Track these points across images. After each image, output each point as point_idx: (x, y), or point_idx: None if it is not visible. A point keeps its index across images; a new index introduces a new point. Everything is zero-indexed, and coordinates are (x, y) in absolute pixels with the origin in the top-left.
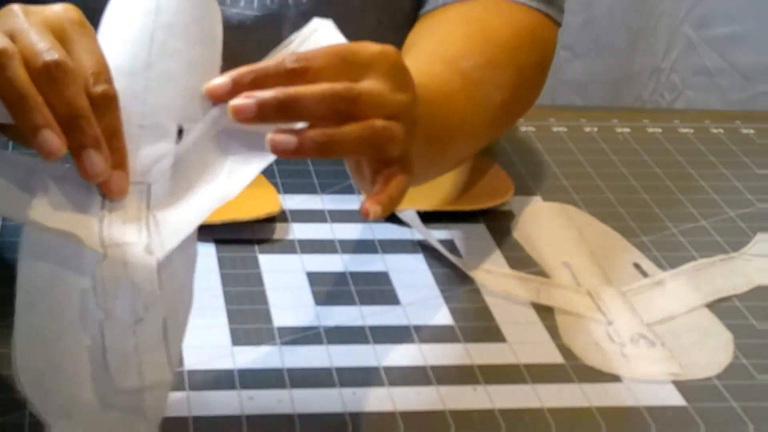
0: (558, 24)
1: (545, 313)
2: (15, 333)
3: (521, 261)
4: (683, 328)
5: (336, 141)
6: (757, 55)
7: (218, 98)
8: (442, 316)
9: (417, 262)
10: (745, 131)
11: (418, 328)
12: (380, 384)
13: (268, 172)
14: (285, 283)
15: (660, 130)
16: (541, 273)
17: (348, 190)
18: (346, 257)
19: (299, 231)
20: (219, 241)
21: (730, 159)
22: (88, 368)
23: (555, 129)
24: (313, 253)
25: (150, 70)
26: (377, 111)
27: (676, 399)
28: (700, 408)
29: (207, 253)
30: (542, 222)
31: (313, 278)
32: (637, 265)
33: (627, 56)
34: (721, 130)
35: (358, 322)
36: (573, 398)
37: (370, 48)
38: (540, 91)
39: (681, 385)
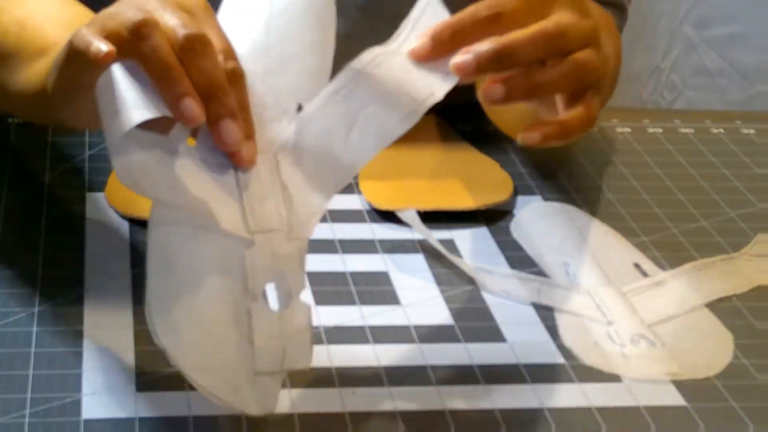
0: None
1: (545, 313)
2: (148, 292)
3: (521, 261)
4: (683, 328)
5: (542, 84)
6: (757, 55)
7: (421, 58)
8: (442, 316)
9: (417, 262)
10: (745, 131)
11: (418, 328)
12: (380, 384)
13: None
14: None
15: (660, 130)
16: (541, 273)
17: (348, 190)
18: (346, 257)
19: None
20: None
21: (730, 159)
22: (231, 334)
23: None
24: (313, 253)
25: (269, 52)
26: (578, 43)
27: (676, 399)
28: (700, 408)
29: None
30: (542, 222)
31: (313, 278)
32: (637, 265)
33: (627, 56)
34: (721, 130)
35: (358, 322)
36: (573, 398)
37: None
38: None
39: (681, 385)
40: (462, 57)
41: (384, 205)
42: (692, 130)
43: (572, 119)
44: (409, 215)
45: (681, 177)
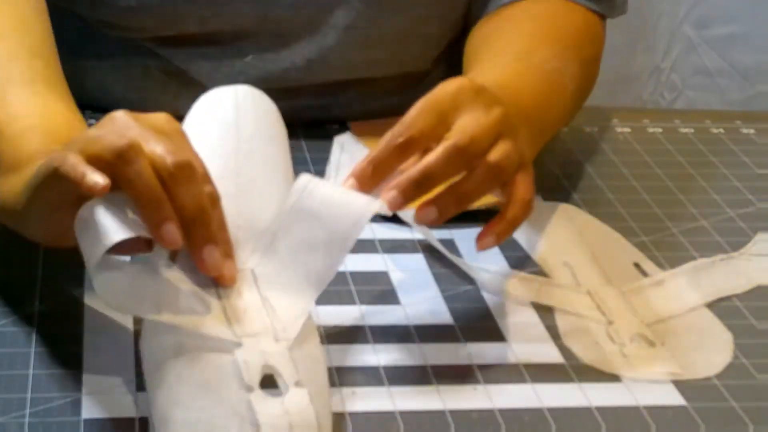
0: (604, 17)
1: (545, 313)
2: (150, 404)
3: (521, 261)
4: (683, 328)
5: (468, 193)
6: (757, 55)
7: None
8: (442, 316)
9: (417, 262)
10: (745, 131)
11: (418, 328)
12: (380, 384)
13: None
14: None
15: (660, 130)
16: (541, 273)
17: None
18: (346, 257)
19: None
20: None
21: (730, 159)
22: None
23: None
24: None
25: (239, 176)
26: (488, 143)
27: (676, 399)
28: (700, 408)
29: None
30: (542, 222)
31: None
32: (637, 265)
33: (627, 56)
34: (721, 130)
35: (358, 322)
36: (573, 398)
37: (447, 88)
38: (594, 84)
39: (681, 385)
40: (390, 194)
41: None
42: (692, 130)
43: (515, 214)
44: (409, 215)
45: (681, 177)
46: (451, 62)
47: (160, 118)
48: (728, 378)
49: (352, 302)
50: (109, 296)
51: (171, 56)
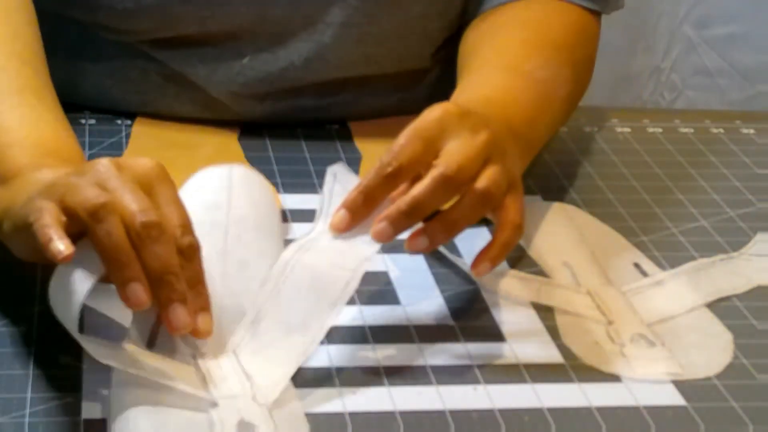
0: (599, 14)
1: (545, 313)
2: None
3: (521, 261)
4: (683, 328)
5: (457, 221)
6: (757, 55)
7: (343, 230)
8: (442, 316)
9: (417, 262)
10: (745, 131)
11: (418, 328)
12: (380, 384)
13: (268, 172)
14: None
15: (660, 130)
16: (541, 273)
17: None
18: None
19: (299, 231)
20: None
21: (730, 159)
22: None
23: None
24: None
25: (226, 257)
26: (476, 169)
27: (676, 399)
28: (700, 408)
29: None
30: (542, 222)
31: None
32: (637, 265)
33: (627, 56)
34: (721, 130)
35: (358, 322)
36: (573, 398)
37: (432, 115)
38: (589, 83)
39: (681, 385)
40: (380, 226)
41: None
42: (692, 130)
43: (507, 238)
44: None
45: (681, 177)
46: (451, 60)
47: (146, 166)
48: (728, 378)
49: (352, 302)
50: (88, 344)
51: (168, 59)
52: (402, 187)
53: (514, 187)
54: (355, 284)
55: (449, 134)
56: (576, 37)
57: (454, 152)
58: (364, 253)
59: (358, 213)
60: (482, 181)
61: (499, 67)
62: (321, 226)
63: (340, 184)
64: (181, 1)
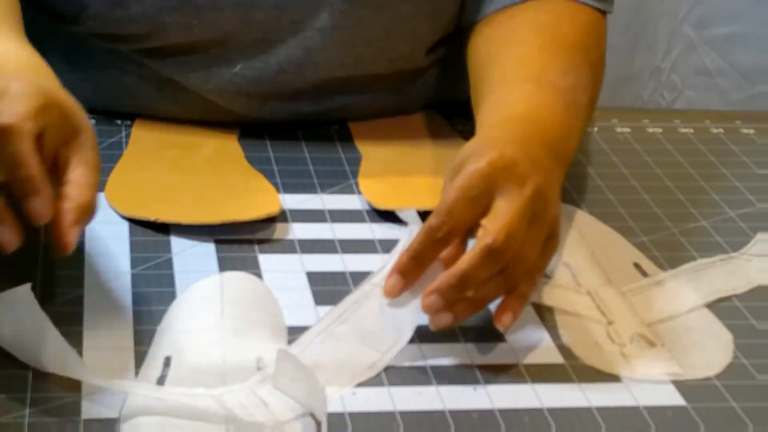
0: (605, 14)
1: (545, 313)
2: None
3: None
4: (683, 328)
5: (482, 299)
6: (757, 55)
7: (396, 294)
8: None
9: None
10: (745, 131)
11: (418, 328)
12: (380, 384)
13: (268, 172)
14: (285, 283)
15: (660, 130)
16: None
17: (348, 190)
18: (346, 257)
19: (299, 231)
20: (219, 241)
21: (730, 159)
22: None
23: None
24: (313, 253)
25: (223, 328)
26: (519, 234)
27: (676, 399)
28: (700, 408)
29: (207, 254)
30: None
31: (313, 278)
32: (637, 265)
33: (627, 56)
34: (721, 130)
35: None
36: (573, 398)
37: (478, 171)
38: (602, 84)
39: (681, 385)
40: (430, 299)
41: (384, 205)
42: (692, 130)
43: (528, 289)
44: (409, 215)
45: (681, 177)
46: (448, 59)
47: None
48: (728, 378)
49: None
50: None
51: (161, 68)
52: (451, 247)
53: (553, 237)
54: (382, 364)
55: (496, 191)
56: (589, 39)
57: (501, 215)
58: (402, 331)
59: (409, 276)
60: (520, 264)
61: (523, 80)
62: (380, 278)
63: (408, 234)
64: (169, 9)
